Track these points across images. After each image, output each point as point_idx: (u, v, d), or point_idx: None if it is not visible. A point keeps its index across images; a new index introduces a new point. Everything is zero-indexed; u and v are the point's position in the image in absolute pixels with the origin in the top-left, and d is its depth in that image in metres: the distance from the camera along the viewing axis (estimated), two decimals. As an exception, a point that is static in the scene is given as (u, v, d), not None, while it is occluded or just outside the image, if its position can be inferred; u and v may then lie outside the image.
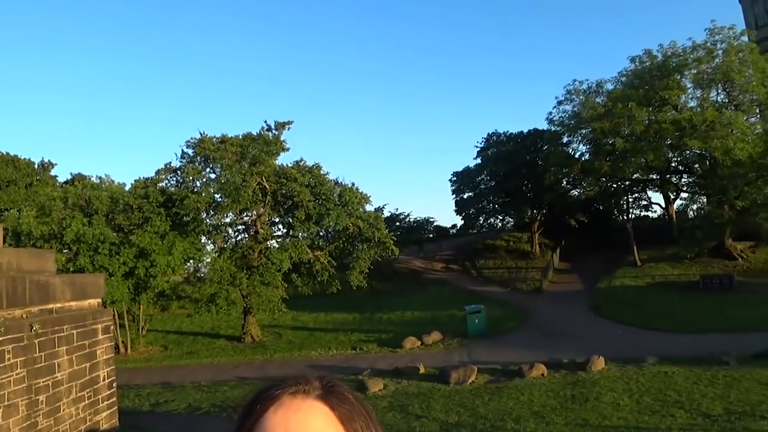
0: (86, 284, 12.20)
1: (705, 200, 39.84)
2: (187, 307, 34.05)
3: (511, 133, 49.91)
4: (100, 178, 38.19)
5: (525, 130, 49.40)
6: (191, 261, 31.03)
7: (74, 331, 10.99)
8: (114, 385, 12.25)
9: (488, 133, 51.25)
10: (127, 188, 32.14)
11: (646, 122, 36.53)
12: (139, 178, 30.44)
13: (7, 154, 43.23)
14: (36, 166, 46.62)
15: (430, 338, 26.70)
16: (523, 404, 14.51)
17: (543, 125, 48.19)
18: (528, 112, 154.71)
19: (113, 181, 35.34)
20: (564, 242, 47.06)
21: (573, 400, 14.66)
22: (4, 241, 12.72)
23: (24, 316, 9.90)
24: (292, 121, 31.69)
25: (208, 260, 30.90)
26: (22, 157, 44.94)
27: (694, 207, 44.65)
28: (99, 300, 12.57)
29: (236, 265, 29.32)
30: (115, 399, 12.25)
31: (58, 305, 11.00)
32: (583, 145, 43.05)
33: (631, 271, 38.47)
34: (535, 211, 47.70)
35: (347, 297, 34.65)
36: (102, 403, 11.73)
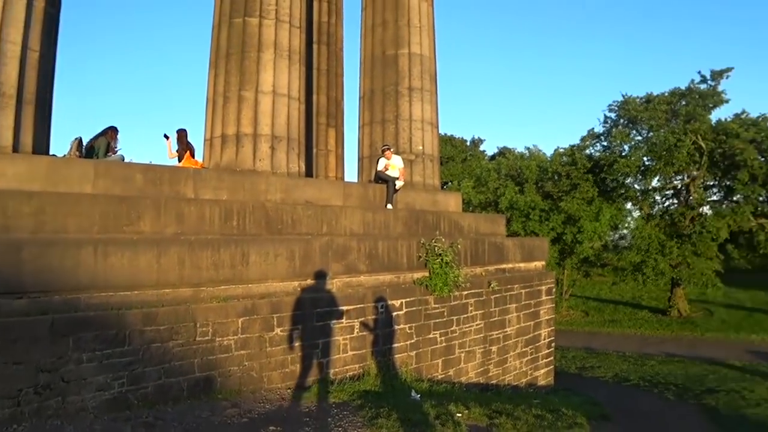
0: (533, 247, 13.18)
1: None
2: (606, 275, 33.80)
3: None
4: (528, 149, 40.46)
5: None
6: (617, 227, 30.55)
7: (522, 291, 11.98)
8: (552, 344, 13.01)
9: None
10: (548, 156, 33.22)
11: None
12: (558, 147, 31.18)
13: (445, 134, 49.73)
14: (468, 143, 52.79)
15: None
16: None
17: None
18: None
19: (540, 151, 37.10)
20: None
21: None
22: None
23: (483, 273, 11.19)
24: (732, 68, 27.76)
25: (634, 227, 29.88)
26: (457, 136, 51.79)
27: None
28: (543, 263, 13.44)
29: (665, 232, 27.71)
30: (552, 358, 13.02)
31: (510, 265, 12.12)
32: None
33: None
34: None
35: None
36: (541, 360, 12.59)
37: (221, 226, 7.69)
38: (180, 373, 6.26)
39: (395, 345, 8.85)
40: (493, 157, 45.00)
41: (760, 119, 27.08)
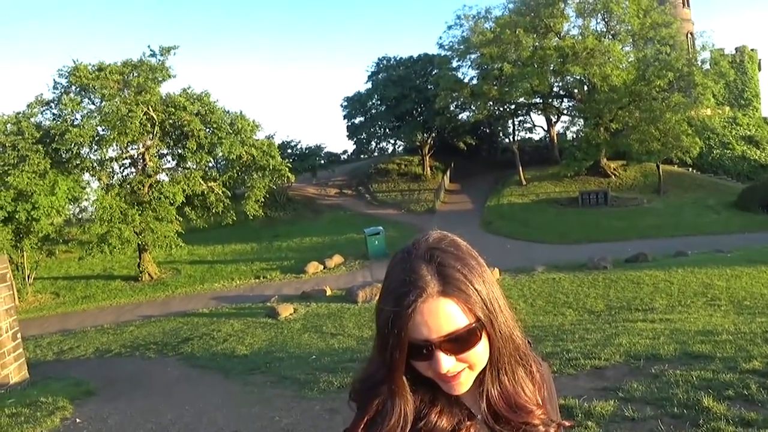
0: (-24, 234, 11.42)
1: (583, 123, 42.61)
2: (74, 251, 32.30)
3: (402, 58, 49.99)
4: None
5: (415, 55, 49.66)
6: (77, 201, 29.24)
7: (-31, 284, 10.36)
8: (18, 336, 11.73)
9: (379, 58, 51.14)
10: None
11: (532, 49, 38.05)
12: (2, 114, 27.63)
13: None
14: None
15: (332, 262, 27.39)
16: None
17: (434, 51, 48.71)
18: (419, 38, 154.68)
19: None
20: (454, 164, 48.74)
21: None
22: None
23: None
24: (178, 46, 29.90)
25: (95, 198, 29.19)
26: None
27: (574, 129, 47.75)
28: (-9, 249, 11.82)
29: (126, 201, 27.98)
30: (21, 351, 11.78)
31: (-52, 258, 10.27)
32: (473, 69, 44.12)
33: (517, 189, 40.82)
34: (425, 135, 48.77)
35: (243, 227, 34.38)
36: (8, 356, 11.24)
37: None
38: None
39: None
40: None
41: (204, 95, 30.03)
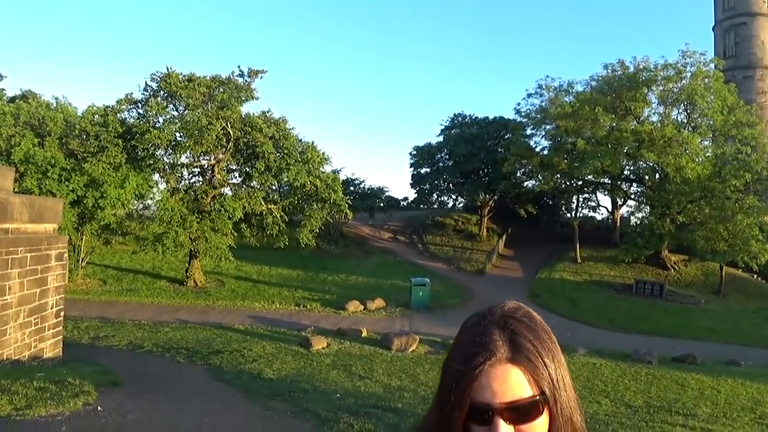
0: (45, 208, 11.82)
1: (649, 210, 41.40)
2: (128, 244, 33.31)
3: (477, 117, 50.51)
4: (56, 99, 36.40)
5: (491, 117, 49.99)
6: (142, 197, 30.27)
7: (28, 255, 10.69)
8: (61, 314, 12.02)
9: (455, 114, 51.73)
10: (79, 113, 30.83)
11: (608, 128, 37.71)
12: (92, 104, 29.11)
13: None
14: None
15: (374, 304, 27.20)
16: (461, 380, 14.96)
17: (509, 115, 48.98)
18: (497, 101, 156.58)
19: (70, 105, 33.77)
20: (510, 230, 48.26)
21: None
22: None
23: (-21, 233, 9.57)
24: (266, 71, 31.08)
25: (159, 198, 30.16)
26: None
27: (639, 215, 46.26)
28: (55, 225, 12.22)
29: (187, 207, 28.78)
30: (61, 328, 12.04)
31: (14, 226, 10.65)
32: (545, 139, 44.00)
33: (571, 266, 39.79)
34: (487, 196, 48.62)
35: (293, 254, 34.67)
36: (48, 330, 11.51)
37: None
38: None
39: None
40: (12, 99, 38.76)
41: (281, 120, 30.97)
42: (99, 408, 6.91)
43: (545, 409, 1.06)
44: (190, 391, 10.13)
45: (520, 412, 1.03)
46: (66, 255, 12.37)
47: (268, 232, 31.42)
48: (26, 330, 10.71)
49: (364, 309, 26.67)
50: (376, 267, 37.26)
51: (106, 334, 16.93)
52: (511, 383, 1.04)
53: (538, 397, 1.05)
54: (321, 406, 8.96)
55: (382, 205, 49.29)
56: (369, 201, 47.57)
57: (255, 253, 34.83)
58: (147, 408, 7.75)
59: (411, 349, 18.50)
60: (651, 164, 38.49)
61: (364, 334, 20.56)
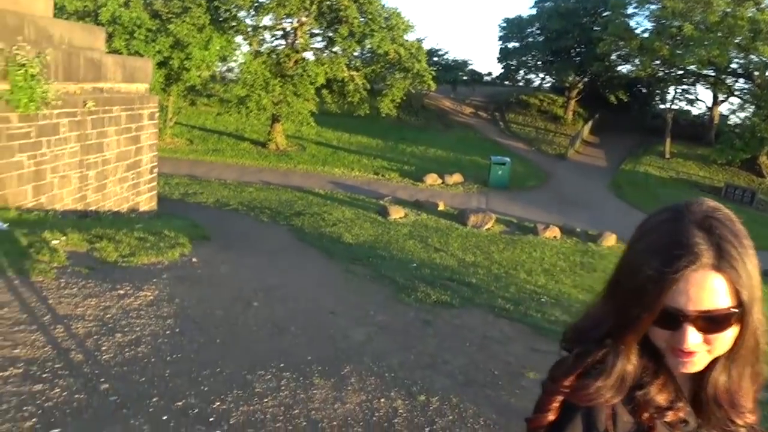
0: (136, 68, 12.12)
1: (753, 110, 37.81)
2: (212, 106, 34.09)
3: (574, -11, 46.51)
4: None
5: (590, -10, 45.90)
6: (225, 60, 30.49)
7: (123, 113, 11.14)
8: (155, 170, 12.70)
9: (550, -17, 47.76)
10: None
11: (722, 13, 33.57)
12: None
13: None
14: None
15: (452, 179, 27.18)
16: (534, 259, 15.13)
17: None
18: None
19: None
20: (598, 116, 45.83)
21: (582, 267, 15.25)
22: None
23: (78, 91, 9.96)
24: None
25: (242, 61, 30.29)
26: None
27: (741, 115, 42.14)
28: (147, 85, 12.58)
29: (270, 71, 28.84)
30: (155, 184, 12.77)
31: (109, 85, 11.00)
32: (648, 21, 39.94)
33: (657, 161, 37.80)
34: (577, 78, 45.94)
35: (373, 123, 34.60)
36: (143, 185, 12.23)
37: None
38: None
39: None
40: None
41: None
42: (194, 260, 7.40)
43: (736, 320, 0.99)
44: (274, 249, 10.69)
45: (714, 321, 0.97)
46: (157, 114, 12.80)
47: (348, 100, 31.29)
48: (124, 184, 11.41)
49: (441, 183, 26.75)
50: (456, 141, 36.82)
51: (195, 191, 17.84)
52: (710, 291, 0.96)
53: (735, 309, 0.98)
54: (399, 274, 9.26)
55: (465, 78, 47.66)
56: (452, 74, 46.02)
57: (335, 119, 35.03)
58: (236, 261, 8.26)
59: (486, 227, 18.62)
60: (765, 60, 34.67)
61: (441, 207, 20.75)
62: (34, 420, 3.30)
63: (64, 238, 6.61)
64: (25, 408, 3.39)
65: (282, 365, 4.51)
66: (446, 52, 48.70)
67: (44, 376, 3.77)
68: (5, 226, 6.54)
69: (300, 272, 8.63)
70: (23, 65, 8.11)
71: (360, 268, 9.64)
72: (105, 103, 10.48)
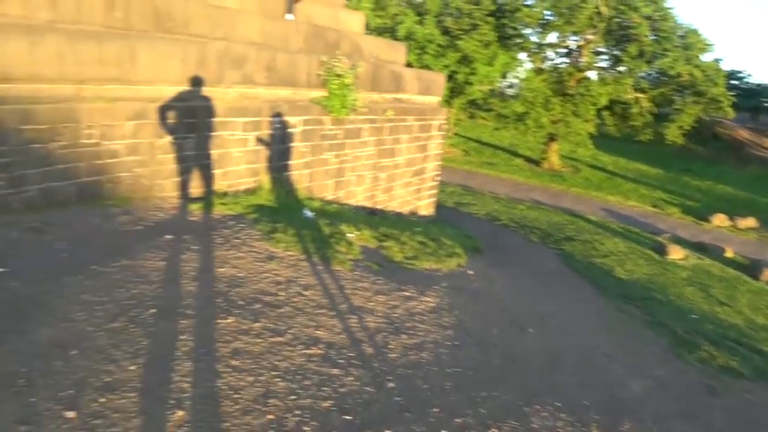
0: (431, 81, 12.88)
1: None
2: (489, 120, 34.77)
3: None
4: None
5: None
6: (506, 75, 30.94)
7: (415, 123, 11.87)
8: (437, 178, 13.33)
9: None
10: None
11: None
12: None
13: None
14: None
15: (744, 222, 23.81)
16: None
17: None
18: None
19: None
20: None
21: None
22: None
23: (380, 100, 10.88)
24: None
25: (523, 78, 30.41)
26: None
27: None
28: (439, 98, 13.27)
29: (551, 89, 28.50)
30: (436, 191, 13.42)
31: (406, 96, 11.85)
32: None
33: None
34: None
35: (655, 150, 32.10)
36: (425, 191, 12.92)
37: (104, 16, 6.58)
38: (65, 177, 5.69)
39: (290, 162, 8.58)
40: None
41: None
42: (470, 272, 7.51)
43: None
44: (543, 272, 10.42)
45: None
46: (445, 126, 13.40)
47: (631, 123, 29.53)
48: (408, 188, 12.17)
49: (731, 225, 23.59)
50: (752, 179, 32.26)
51: (467, 201, 18.33)
52: None
53: None
54: (677, 324, 8.30)
55: (769, 106, 41.75)
56: (753, 100, 40.65)
57: (614, 143, 33.28)
58: (509, 280, 8.19)
59: (787, 283, 15.85)
60: None
61: (729, 254, 18.23)
62: (330, 402, 3.54)
63: (358, 232, 7.20)
64: (323, 388, 3.66)
65: (558, 404, 4.28)
66: (748, 75, 43.10)
67: (340, 362, 4.05)
68: (311, 214, 7.36)
69: (571, 302, 8.25)
70: (340, 75, 9.11)
71: (633, 309, 8.90)
72: (401, 113, 11.28)
